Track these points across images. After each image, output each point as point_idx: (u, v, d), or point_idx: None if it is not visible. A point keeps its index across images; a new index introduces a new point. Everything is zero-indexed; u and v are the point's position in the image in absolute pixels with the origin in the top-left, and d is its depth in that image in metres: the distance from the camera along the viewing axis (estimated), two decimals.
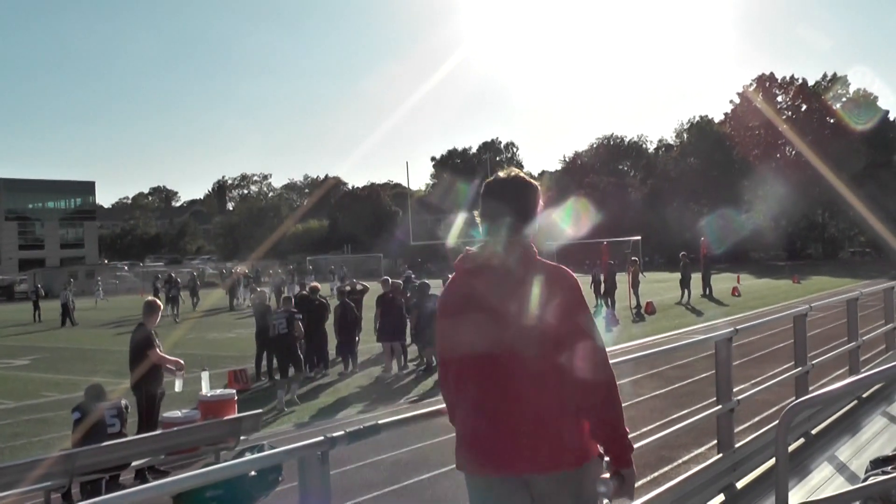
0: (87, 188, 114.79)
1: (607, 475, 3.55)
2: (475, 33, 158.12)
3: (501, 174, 3.74)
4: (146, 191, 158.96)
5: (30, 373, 21.52)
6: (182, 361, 11.53)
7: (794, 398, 8.39)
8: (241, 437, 9.91)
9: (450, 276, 3.95)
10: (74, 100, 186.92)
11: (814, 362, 8.95)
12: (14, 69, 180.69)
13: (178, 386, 11.32)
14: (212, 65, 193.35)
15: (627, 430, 3.60)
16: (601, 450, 3.62)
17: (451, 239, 71.87)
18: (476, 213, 3.77)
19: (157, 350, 11.23)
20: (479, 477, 3.65)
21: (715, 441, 7.05)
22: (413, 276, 23.07)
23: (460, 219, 76.61)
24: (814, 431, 8.16)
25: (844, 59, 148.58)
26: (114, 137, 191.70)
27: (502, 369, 3.50)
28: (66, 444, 10.24)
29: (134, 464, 9.53)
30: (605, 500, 3.56)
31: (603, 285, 31.62)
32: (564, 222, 72.40)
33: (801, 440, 7.86)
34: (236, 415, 10.87)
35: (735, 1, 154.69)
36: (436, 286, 20.88)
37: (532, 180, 3.74)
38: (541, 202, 3.74)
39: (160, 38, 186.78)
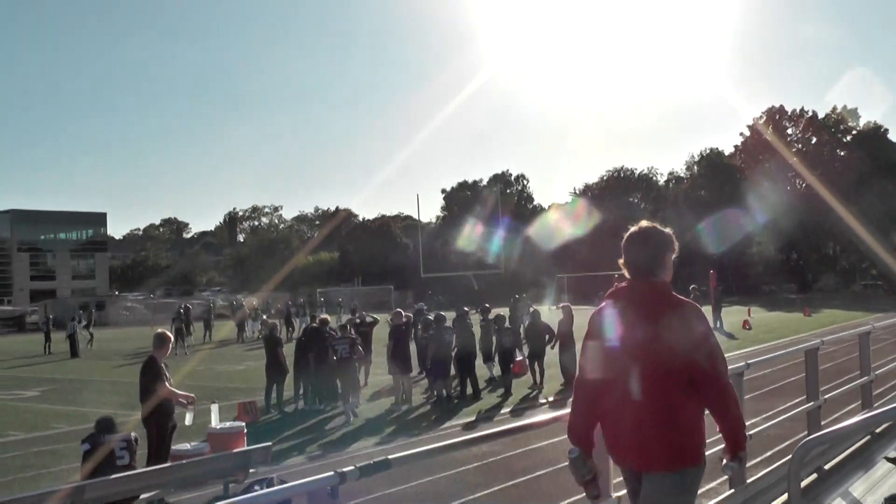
0: (99, 219, 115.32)
1: (725, 460, 4.44)
2: (486, 67, 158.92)
3: (634, 228, 4.61)
4: (157, 222, 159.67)
5: (40, 404, 21.54)
6: (193, 396, 11.51)
7: (806, 433, 8.33)
8: (251, 470, 9.88)
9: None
10: (87, 132, 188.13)
11: (826, 397, 8.90)
12: (27, 101, 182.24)
13: (188, 419, 11.32)
14: (224, 97, 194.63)
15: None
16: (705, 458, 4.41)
17: (464, 244, 72.30)
18: (620, 260, 4.59)
19: (167, 384, 11.21)
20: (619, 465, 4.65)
21: (727, 476, 7.00)
22: (425, 308, 23.10)
23: (470, 249, 77.03)
24: (827, 466, 8.09)
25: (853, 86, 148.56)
26: (125, 169, 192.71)
27: (637, 383, 4.24)
28: (75, 477, 10.22)
29: (143, 496, 9.50)
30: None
31: None
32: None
33: (814, 475, 7.79)
34: (245, 447, 10.84)
35: (746, 34, 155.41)
36: (448, 318, 20.89)
37: (664, 230, 4.60)
38: (674, 246, 4.59)
39: (172, 70, 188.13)
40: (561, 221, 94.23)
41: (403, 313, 20.43)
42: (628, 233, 4.61)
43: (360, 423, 16.65)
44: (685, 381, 4.22)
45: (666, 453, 4.23)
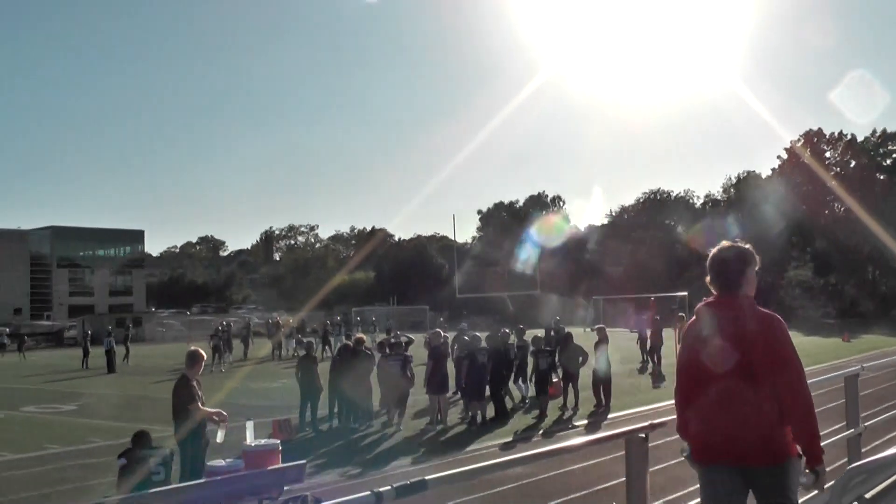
0: (137, 237, 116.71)
1: (806, 471, 4.67)
2: (524, 90, 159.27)
3: (716, 250, 5.05)
4: (194, 240, 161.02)
5: (77, 418, 21.73)
6: (225, 413, 11.50)
7: (845, 459, 8.22)
8: (285, 488, 9.88)
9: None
10: (125, 150, 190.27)
11: (866, 424, 8.77)
12: (67, 120, 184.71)
13: (219, 437, 11.29)
14: (262, 115, 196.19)
15: (820, 435, 4.74)
16: (799, 451, 4.71)
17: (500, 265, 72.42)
18: (707, 278, 5.02)
19: (199, 403, 11.21)
20: (704, 466, 4.92)
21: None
22: (466, 327, 23.11)
23: (505, 270, 76.87)
24: (868, 495, 7.96)
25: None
26: (164, 187, 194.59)
27: (728, 385, 4.70)
28: (111, 491, 10.29)
29: None
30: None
31: (648, 341, 31.18)
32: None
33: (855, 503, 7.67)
34: (280, 465, 10.85)
35: (784, 57, 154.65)
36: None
37: (745, 247, 5.04)
38: (756, 261, 5.02)
39: (211, 88, 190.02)
40: (596, 243, 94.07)
41: (442, 333, 20.36)
42: (712, 252, 5.08)
43: (395, 442, 16.65)
44: (768, 384, 4.66)
45: (773, 446, 4.68)
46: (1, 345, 59.05)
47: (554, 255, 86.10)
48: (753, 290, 4.97)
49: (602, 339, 21.56)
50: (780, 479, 4.70)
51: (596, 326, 24.21)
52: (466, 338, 20.74)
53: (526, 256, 76.01)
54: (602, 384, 20.66)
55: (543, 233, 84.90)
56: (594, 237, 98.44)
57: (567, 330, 24.56)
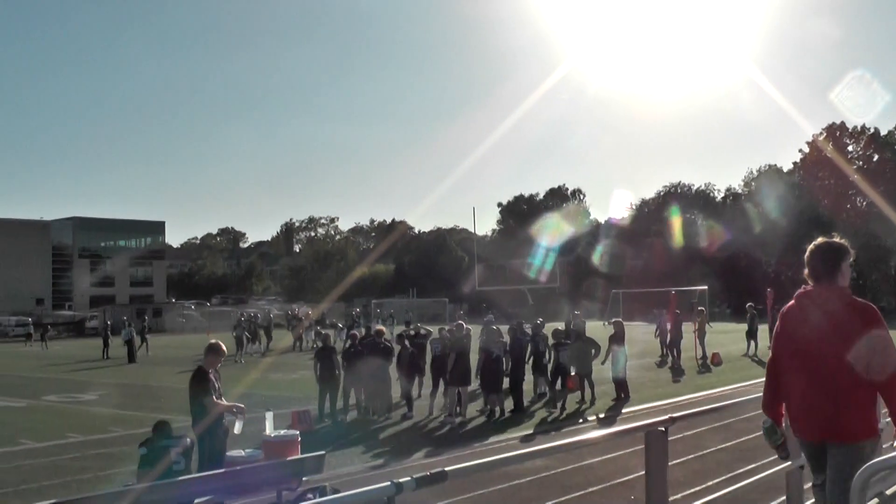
0: (158, 228, 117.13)
1: (893, 443, 5.35)
2: (544, 83, 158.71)
3: (813, 245, 5.52)
4: (215, 231, 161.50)
5: (97, 408, 21.86)
6: (243, 406, 11.48)
7: None
8: (304, 479, 9.91)
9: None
10: (147, 142, 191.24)
11: (887, 419, 8.71)
12: (90, 112, 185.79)
13: (237, 428, 11.28)
14: (283, 108, 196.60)
15: None
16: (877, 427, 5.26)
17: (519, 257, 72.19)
18: (805, 271, 5.51)
19: (213, 396, 11.13)
20: (799, 439, 5.51)
21: (784, 498, 6.89)
22: (493, 319, 23.13)
23: (525, 263, 76.84)
24: (888, 492, 7.91)
25: None
26: (184, 179, 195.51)
27: (823, 367, 5.15)
28: (131, 480, 10.34)
29: (196, 501, 9.57)
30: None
31: (668, 335, 31.04)
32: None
33: (875, 500, 7.62)
34: (299, 456, 10.86)
35: (806, 50, 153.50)
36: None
37: (840, 242, 5.52)
38: (850, 255, 5.52)
39: (233, 81, 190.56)
40: (616, 236, 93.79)
41: (465, 325, 20.40)
42: (810, 247, 5.54)
43: (414, 434, 16.68)
44: (861, 368, 5.00)
45: (849, 428, 5.10)
46: (27, 335, 59.53)
47: (574, 248, 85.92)
48: (847, 281, 5.42)
49: (618, 334, 21.54)
50: (854, 458, 4.97)
51: (613, 320, 24.12)
52: (493, 328, 20.72)
53: (545, 250, 75.91)
54: (619, 387, 20.73)
55: (563, 228, 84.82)
56: (614, 230, 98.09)
57: (585, 324, 24.49)
